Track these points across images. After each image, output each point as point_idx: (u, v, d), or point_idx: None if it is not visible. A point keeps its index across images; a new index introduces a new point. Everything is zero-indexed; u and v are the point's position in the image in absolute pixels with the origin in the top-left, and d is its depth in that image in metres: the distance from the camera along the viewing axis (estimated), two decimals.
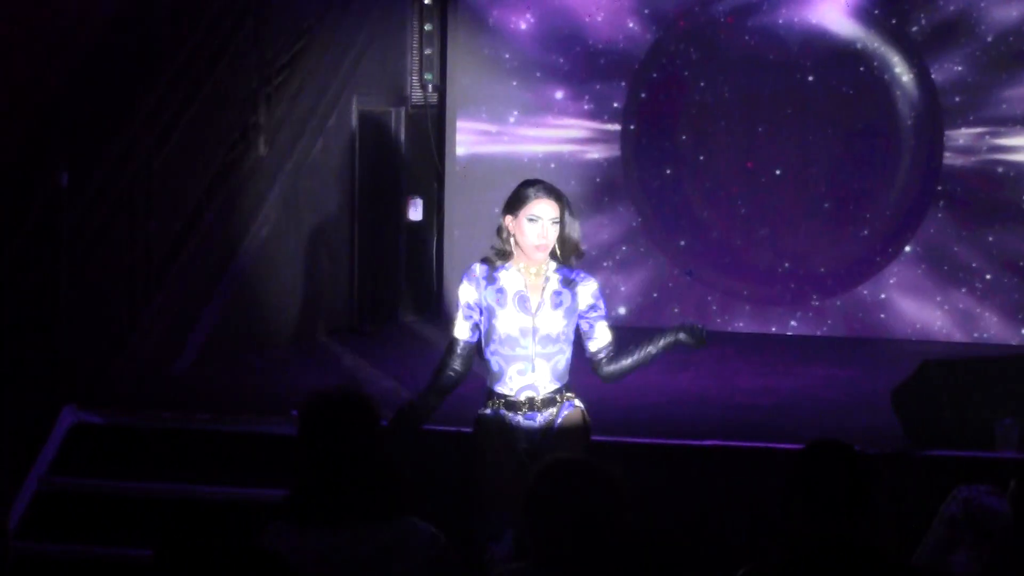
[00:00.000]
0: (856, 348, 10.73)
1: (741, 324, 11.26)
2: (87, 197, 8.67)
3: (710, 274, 11.33)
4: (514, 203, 6.12)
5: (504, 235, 6.13)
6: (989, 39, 10.84)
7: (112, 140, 8.95)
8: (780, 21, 11.13)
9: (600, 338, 6.17)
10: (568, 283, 6.11)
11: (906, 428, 7.61)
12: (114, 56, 9.64)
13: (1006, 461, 7.13)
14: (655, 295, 11.33)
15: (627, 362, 6.21)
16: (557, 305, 6.09)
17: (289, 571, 3.71)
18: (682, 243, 11.35)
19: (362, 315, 11.28)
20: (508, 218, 6.12)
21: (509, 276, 6.13)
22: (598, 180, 11.44)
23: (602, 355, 6.19)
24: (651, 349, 6.19)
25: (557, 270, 6.15)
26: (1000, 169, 10.93)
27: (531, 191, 6.11)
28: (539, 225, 6.05)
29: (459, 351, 6.19)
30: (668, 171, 11.37)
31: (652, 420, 8.05)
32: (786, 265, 11.25)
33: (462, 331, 6.18)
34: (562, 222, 6.08)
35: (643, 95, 11.37)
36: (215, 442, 7.90)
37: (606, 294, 6.50)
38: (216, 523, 3.72)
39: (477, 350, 6.21)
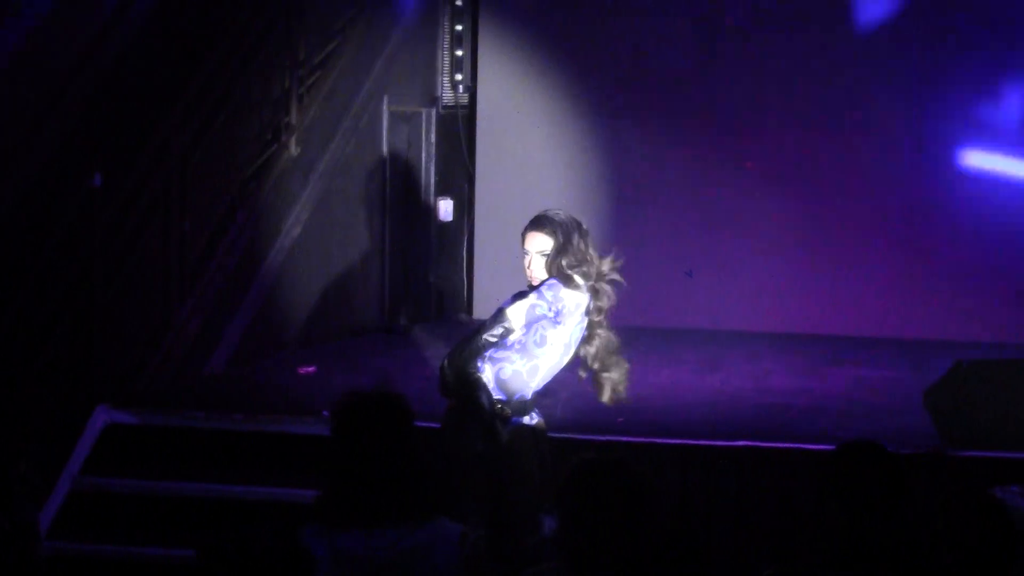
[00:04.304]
0: (888, 348, 10.71)
1: (771, 324, 11.24)
2: (121, 197, 8.70)
3: (739, 273, 11.33)
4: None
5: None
6: None
7: (145, 141, 8.98)
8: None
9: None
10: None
11: (939, 429, 7.59)
12: (148, 57, 9.67)
13: None
14: (676, 293, 11.33)
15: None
16: (528, 316, 6.13)
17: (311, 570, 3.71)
18: (703, 241, 11.35)
19: (393, 315, 11.30)
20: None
21: None
22: (620, 180, 11.45)
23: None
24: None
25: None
26: None
27: (527, 225, 6.23)
28: (528, 258, 6.18)
29: None
30: (695, 170, 11.37)
31: (683, 421, 8.04)
32: (816, 264, 11.24)
33: None
34: (554, 250, 6.11)
35: (666, 96, 11.38)
36: (248, 442, 7.92)
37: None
38: (251, 523, 3.73)
39: None
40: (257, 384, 9.06)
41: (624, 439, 7.36)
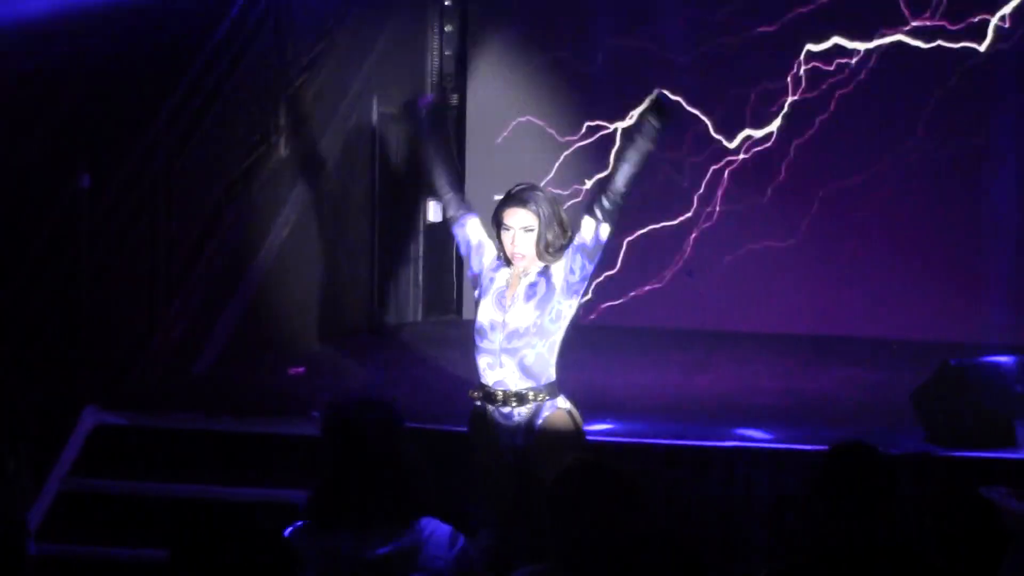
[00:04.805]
0: (877, 348, 10.72)
1: (760, 324, 11.26)
2: (108, 198, 8.69)
3: (728, 273, 11.34)
4: (494, 213, 6.14)
5: (497, 245, 6.16)
6: None
7: (133, 141, 8.98)
8: None
9: (586, 228, 6.00)
10: (545, 272, 6.07)
11: (927, 429, 7.61)
12: (135, 57, 9.66)
13: None
14: (670, 293, 11.33)
15: (626, 169, 6.00)
16: (529, 297, 6.03)
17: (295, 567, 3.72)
18: (695, 238, 11.35)
19: (382, 315, 11.30)
20: (494, 227, 6.16)
21: (503, 272, 6.14)
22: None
23: (600, 198, 6.01)
24: (635, 145, 6.02)
25: (543, 266, 6.11)
26: None
27: (505, 200, 6.11)
28: (510, 234, 6.04)
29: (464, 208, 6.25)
30: (688, 170, 11.38)
31: (672, 421, 8.04)
32: (804, 264, 11.26)
33: (470, 223, 6.21)
34: (539, 228, 6.02)
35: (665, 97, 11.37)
36: (237, 443, 7.92)
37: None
38: (235, 524, 3.71)
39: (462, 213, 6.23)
40: (246, 385, 9.06)
41: (613, 439, 7.37)
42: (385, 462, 4.58)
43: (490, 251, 6.18)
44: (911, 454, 7.21)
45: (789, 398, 8.93)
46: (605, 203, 6.01)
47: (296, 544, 4.46)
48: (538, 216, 6.02)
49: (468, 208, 6.26)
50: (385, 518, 4.54)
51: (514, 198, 6.08)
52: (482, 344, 6.08)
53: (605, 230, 6.03)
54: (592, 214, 6.02)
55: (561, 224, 6.05)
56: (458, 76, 11.83)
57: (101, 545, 7.55)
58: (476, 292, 6.18)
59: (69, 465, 7.89)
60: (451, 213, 6.26)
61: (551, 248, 6.03)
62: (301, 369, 9.40)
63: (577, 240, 6.03)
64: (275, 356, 9.81)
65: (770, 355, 10.39)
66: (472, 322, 6.15)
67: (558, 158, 11.50)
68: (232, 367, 9.45)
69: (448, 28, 11.76)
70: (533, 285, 6.04)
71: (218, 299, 9.52)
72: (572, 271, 6.01)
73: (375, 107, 11.13)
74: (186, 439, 7.99)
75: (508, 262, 6.11)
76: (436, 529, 4.58)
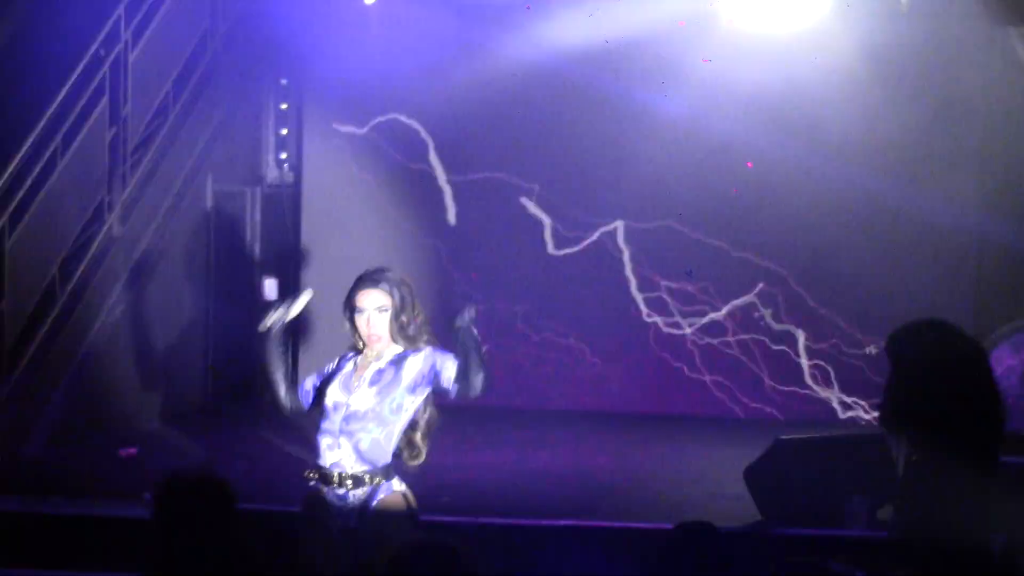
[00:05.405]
0: (711, 426, 10.83)
1: (594, 403, 11.32)
2: None
3: (561, 351, 11.40)
4: (347, 298, 6.18)
5: (351, 330, 6.17)
6: None
7: None
8: None
9: (449, 369, 6.09)
10: (397, 361, 6.11)
11: (759, 506, 7.70)
12: None
13: (855, 538, 7.24)
14: (499, 372, 11.35)
15: (471, 366, 6.12)
16: (374, 382, 6.08)
17: None
18: (528, 318, 11.41)
19: (217, 396, 11.19)
20: (347, 313, 6.17)
21: (352, 361, 6.17)
22: (449, 256, 11.50)
23: (455, 381, 6.11)
24: (465, 344, 6.10)
25: (397, 352, 6.13)
26: None
27: (357, 284, 6.18)
28: (364, 316, 6.10)
29: (298, 387, 6.28)
30: (521, 245, 11.45)
31: (508, 499, 8.05)
32: (636, 343, 11.36)
33: (306, 381, 6.27)
34: (394, 308, 6.10)
35: (492, 167, 11.47)
36: (67, 526, 7.78)
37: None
38: None
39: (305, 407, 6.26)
40: (77, 466, 8.91)
41: (448, 519, 7.35)
42: (217, 542, 4.53)
43: (323, 370, 6.23)
44: (744, 531, 7.29)
45: (624, 476, 8.98)
46: (462, 380, 6.04)
47: None
48: (391, 295, 6.09)
49: (298, 388, 6.27)
50: None
51: (366, 279, 6.14)
52: (324, 424, 6.10)
53: (450, 382, 6.06)
54: (455, 368, 6.03)
55: (414, 305, 6.10)
56: (294, 154, 11.81)
57: None
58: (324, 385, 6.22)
59: None
60: (292, 405, 6.27)
61: (406, 330, 6.06)
62: (133, 450, 9.27)
63: (439, 363, 6.04)
64: (108, 437, 9.67)
65: (605, 434, 10.44)
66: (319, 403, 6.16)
67: (397, 234, 11.53)
68: (63, 448, 9.29)
69: (284, 106, 11.75)
70: (380, 372, 6.08)
71: (50, 378, 9.37)
72: (423, 375, 6.05)
73: (210, 185, 11.07)
74: (13, 523, 7.83)
75: (358, 350, 6.13)
76: None
